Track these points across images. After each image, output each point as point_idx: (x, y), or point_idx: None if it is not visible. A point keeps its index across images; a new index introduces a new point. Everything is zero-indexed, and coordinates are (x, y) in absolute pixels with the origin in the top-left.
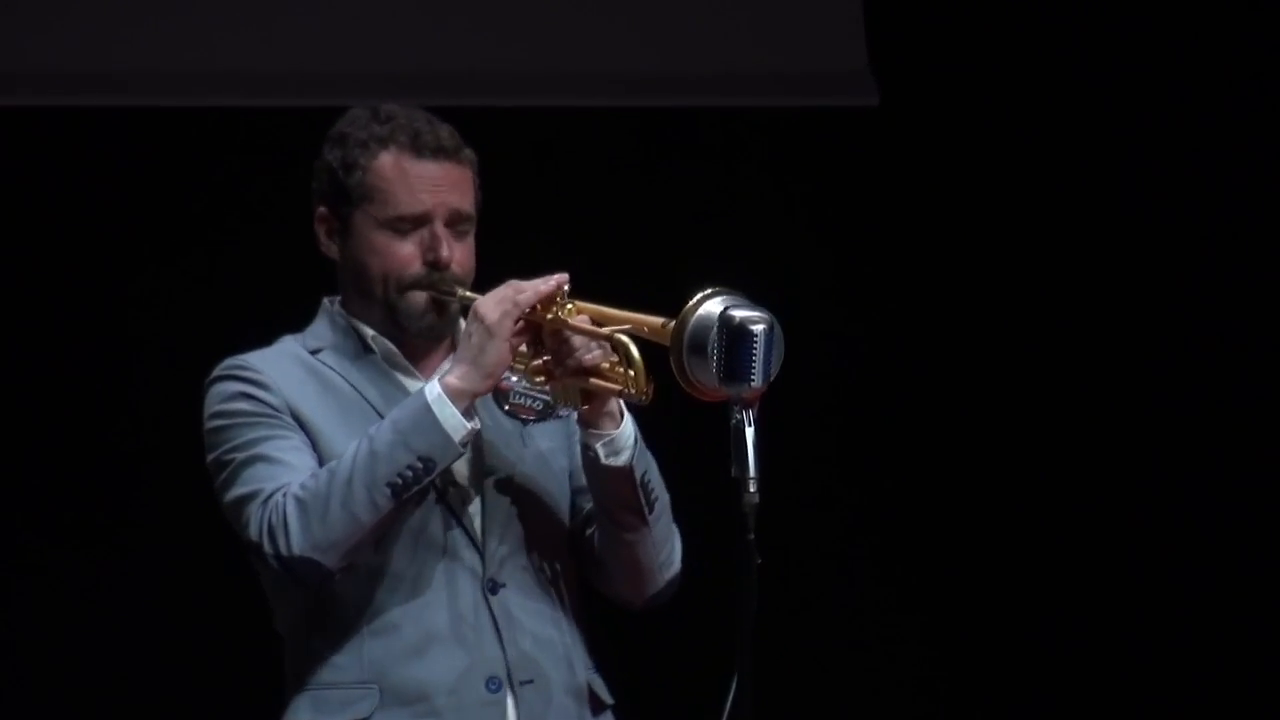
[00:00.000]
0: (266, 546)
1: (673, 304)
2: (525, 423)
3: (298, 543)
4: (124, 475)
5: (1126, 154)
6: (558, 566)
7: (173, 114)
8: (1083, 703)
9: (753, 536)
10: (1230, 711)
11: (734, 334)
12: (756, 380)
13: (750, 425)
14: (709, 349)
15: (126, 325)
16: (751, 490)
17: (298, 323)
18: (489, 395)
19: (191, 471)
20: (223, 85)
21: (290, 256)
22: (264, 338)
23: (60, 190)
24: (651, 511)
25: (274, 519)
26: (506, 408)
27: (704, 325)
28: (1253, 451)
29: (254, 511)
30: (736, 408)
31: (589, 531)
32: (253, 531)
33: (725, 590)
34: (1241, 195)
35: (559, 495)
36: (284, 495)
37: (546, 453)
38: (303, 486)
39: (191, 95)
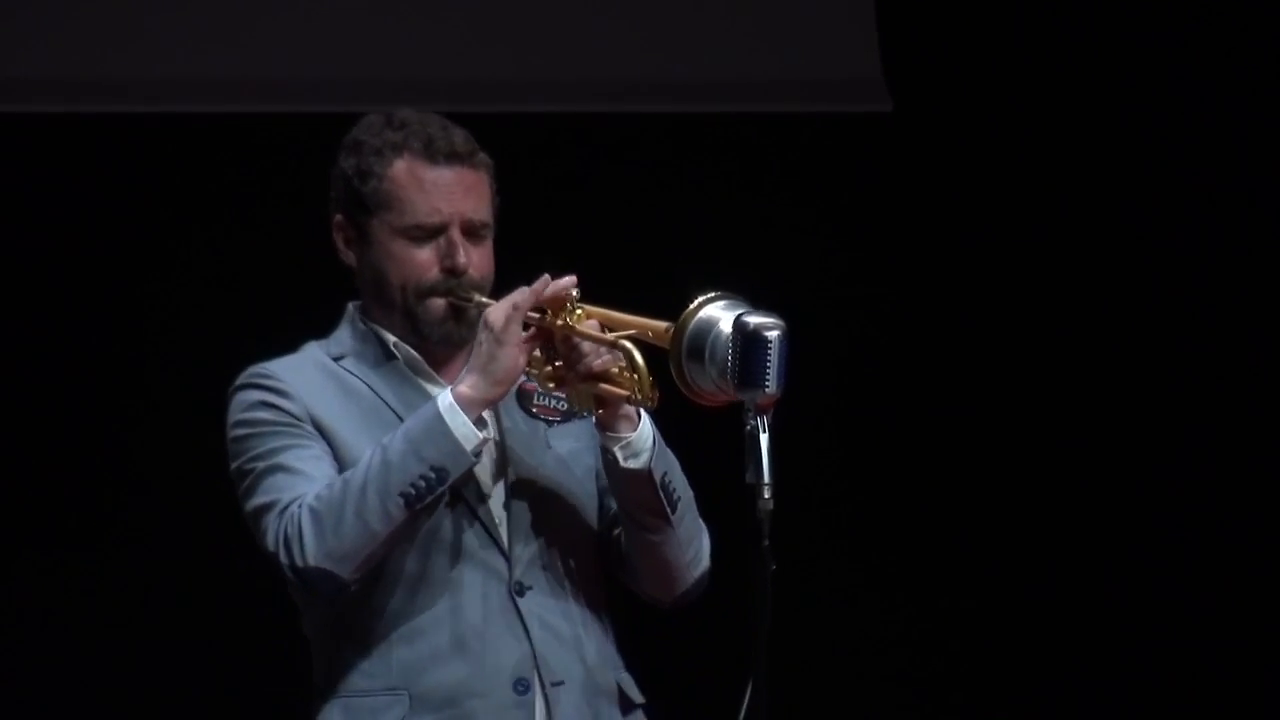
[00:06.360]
0: (282, 557)
1: (683, 309)
2: (550, 424)
3: (312, 553)
4: (151, 479)
5: (1139, 159)
6: (583, 566)
7: (189, 120)
8: (1099, 707)
9: (768, 543)
10: (1228, 711)
11: (748, 339)
12: (771, 386)
13: (764, 431)
14: (707, 354)
15: (143, 333)
16: (766, 496)
17: (322, 328)
18: (513, 398)
19: (219, 475)
20: (234, 91)
21: (314, 261)
22: (287, 343)
23: (74, 198)
24: (674, 511)
25: (289, 529)
26: (533, 409)
27: (702, 330)
28: (1244, 452)
29: (271, 522)
30: (750, 414)
31: (616, 531)
32: (270, 542)
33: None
34: (1254, 200)
35: (584, 496)
36: (299, 506)
37: (571, 453)
38: (317, 497)
39: (201, 101)
